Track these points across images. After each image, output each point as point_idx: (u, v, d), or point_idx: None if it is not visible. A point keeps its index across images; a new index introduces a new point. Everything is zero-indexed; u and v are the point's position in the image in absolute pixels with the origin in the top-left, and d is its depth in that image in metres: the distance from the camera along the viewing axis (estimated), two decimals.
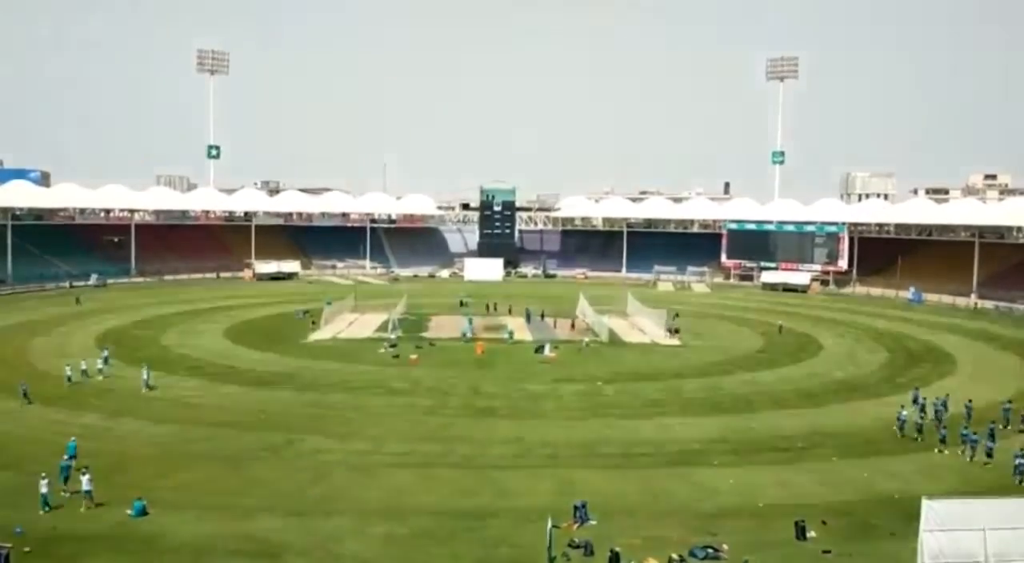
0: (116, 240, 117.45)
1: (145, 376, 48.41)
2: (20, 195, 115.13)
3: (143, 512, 28.57)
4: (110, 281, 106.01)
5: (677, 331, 73.22)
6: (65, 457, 32.62)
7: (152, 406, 44.42)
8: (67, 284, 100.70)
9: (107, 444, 37.17)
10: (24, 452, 35.82)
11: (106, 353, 54.57)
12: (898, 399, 48.62)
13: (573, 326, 74.91)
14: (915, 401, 45.07)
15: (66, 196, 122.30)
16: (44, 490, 29.00)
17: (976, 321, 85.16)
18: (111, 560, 24.79)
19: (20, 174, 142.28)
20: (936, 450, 38.34)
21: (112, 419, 41.40)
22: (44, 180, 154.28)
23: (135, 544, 26.32)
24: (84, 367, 50.67)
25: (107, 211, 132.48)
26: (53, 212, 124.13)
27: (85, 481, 29.41)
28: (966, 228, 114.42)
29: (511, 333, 68.86)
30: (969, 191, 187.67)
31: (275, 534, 27.43)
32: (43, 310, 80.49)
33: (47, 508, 28.87)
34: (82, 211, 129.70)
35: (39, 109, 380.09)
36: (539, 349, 61.75)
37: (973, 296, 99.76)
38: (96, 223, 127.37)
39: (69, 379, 48.91)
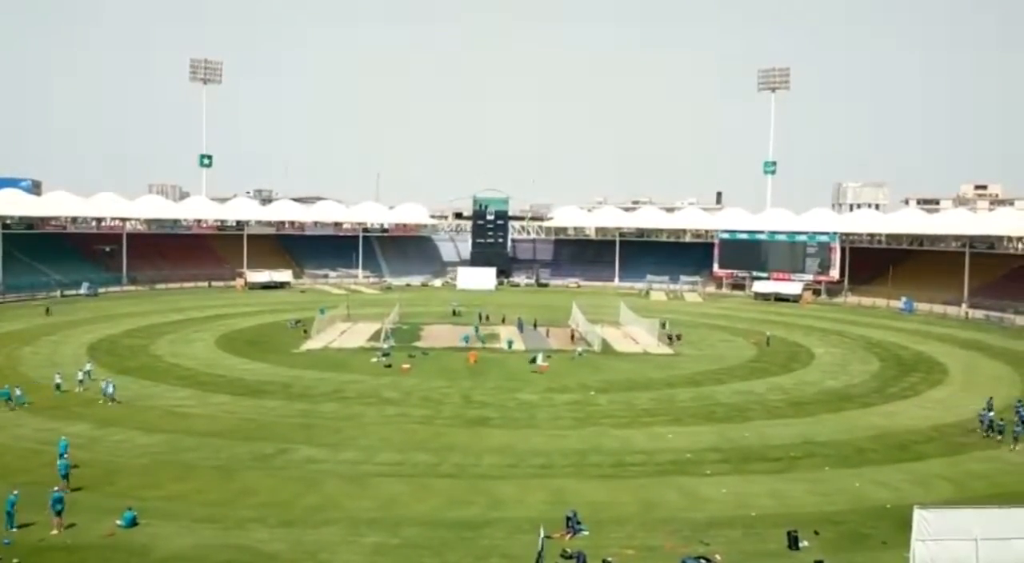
0: (108, 249, 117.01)
1: (110, 390, 47.15)
2: (11, 203, 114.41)
3: (133, 522, 28.37)
4: (101, 290, 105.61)
5: (679, 337, 73.77)
6: (62, 457, 32.66)
7: (143, 416, 44.13)
8: (58, 293, 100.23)
9: (97, 454, 36.90)
10: (10, 462, 35.53)
11: (88, 367, 53.16)
12: (891, 408, 49.42)
13: (573, 337, 73.62)
14: (990, 408, 45.82)
15: (57, 205, 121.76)
16: (8, 509, 27.90)
17: (967, 331, 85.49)
18: None
19: (11, 182, 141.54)
20: (1011, 448, 40.18)
21: (102, 429, 41.05)
22: (35, 188, 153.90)
23: (125, 555, 26.14)
24: (59, 381, 49.36)
25: (99, 220, 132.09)
26: (44, 221, 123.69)
27: (54, 499, 28.27)
28: (957, 238, 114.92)
29: (511, 343, 68.81)
30: (960, 201, 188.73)
31: (266, 544, 27.28)
32: (33, 319, 79.98)
33: (11, 527, 27.70)
34: (74, 220, 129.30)
35: (31, 118, 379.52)
36: (533, 359, 61.69)
37: (964, 306, 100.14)
38: (88, 232, 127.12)
39: (58, 387, 48.63)
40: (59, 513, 28.03)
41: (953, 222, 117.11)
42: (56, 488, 29.89)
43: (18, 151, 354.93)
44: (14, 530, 27.61)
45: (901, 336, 79.71)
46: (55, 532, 27.66)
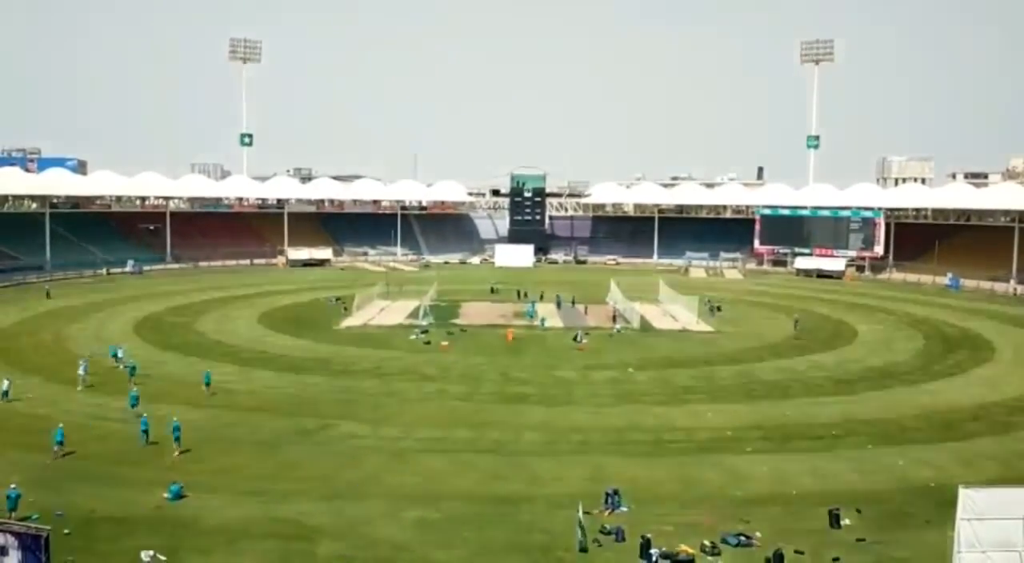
0: (152, 227, 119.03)
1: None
2: (58, 183, 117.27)
3: (180, 495, 29.03)
4: (146, 268, 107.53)
5: (719, 309, 76.01)
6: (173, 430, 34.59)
7: (187, 391, 44.84)
8: (104, 271, 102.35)
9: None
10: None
11: (121, 351, 52.19)
12: (936, 386, 48.56)
13: (615, 317, 71.07)
14: None
15: (103, 184, 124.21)
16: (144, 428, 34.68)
17: (1016, 307, 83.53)
18: (148, 542, 25.17)
19: (58, 162, 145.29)
20: None
21: (148, 404, 41.52)
22: (81, 168, 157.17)
23: (172, 527, 26.73)
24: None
25: (143, 199, 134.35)
26: (90, 200, 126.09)
27: (174, 426, 34.30)
28: (1005, 213, 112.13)
29: (543, 320, 68.77)
30: (1009, 175, 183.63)
31: (309, 518, 27.74)
32: (81, 297, 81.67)
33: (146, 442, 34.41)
34: (118, 199, 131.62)
35: (76, 99, 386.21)
36: (576, 336, 61.59)
37: (1012, 282, 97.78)
38: (132, 211, 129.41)
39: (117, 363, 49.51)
40: (177, 439, 34.02)
41: (1002, 196, 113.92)
42: (176, 418, 35.15)
43: (64, 132, 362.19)
44: (147, 445, 34.40)
45: (947, 313, 78.17)
46: (176, 455, 33.31)
